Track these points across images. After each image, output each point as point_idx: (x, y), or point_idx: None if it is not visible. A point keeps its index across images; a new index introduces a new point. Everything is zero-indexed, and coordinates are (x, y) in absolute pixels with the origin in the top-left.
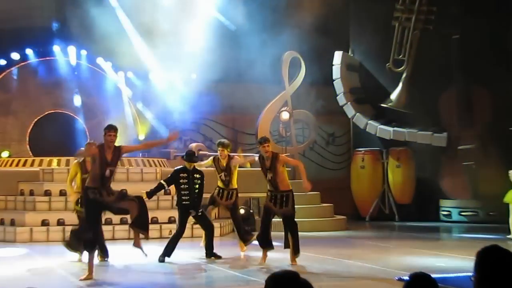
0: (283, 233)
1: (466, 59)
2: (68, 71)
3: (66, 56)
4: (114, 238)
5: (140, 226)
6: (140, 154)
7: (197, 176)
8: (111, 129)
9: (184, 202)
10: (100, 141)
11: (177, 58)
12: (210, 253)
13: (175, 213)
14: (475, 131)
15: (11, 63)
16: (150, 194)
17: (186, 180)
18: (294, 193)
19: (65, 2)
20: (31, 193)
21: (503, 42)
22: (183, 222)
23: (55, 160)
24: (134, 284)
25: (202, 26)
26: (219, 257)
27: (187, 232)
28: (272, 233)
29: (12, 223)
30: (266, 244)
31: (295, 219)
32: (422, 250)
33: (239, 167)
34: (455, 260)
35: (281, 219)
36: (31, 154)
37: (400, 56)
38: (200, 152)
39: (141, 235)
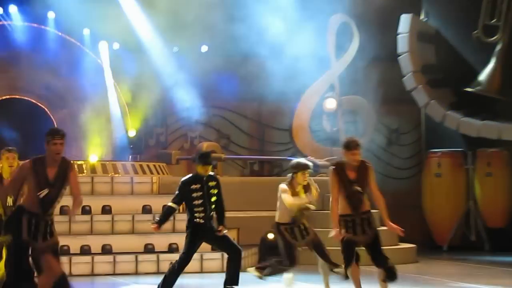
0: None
1: None
2: (29, 41)
3: (26, 21)
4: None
5: None
6: (130, 157)
7: (213, 184)
8: (57, 135)
9: (197, 220)
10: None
11: (182, 25)
12: (231, 281)
13: (176, 239)
14: None
15: None
16: (160, 223)
17: (201, 193)
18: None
19: None
20: None
21: None
22: (191, 248)
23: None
24: None
25: None
26: None
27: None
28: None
29: None
30: None
31: None
32: None
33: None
34: None
35: None
36: None
37: (493, 21)
38: (213, 155)
39: None
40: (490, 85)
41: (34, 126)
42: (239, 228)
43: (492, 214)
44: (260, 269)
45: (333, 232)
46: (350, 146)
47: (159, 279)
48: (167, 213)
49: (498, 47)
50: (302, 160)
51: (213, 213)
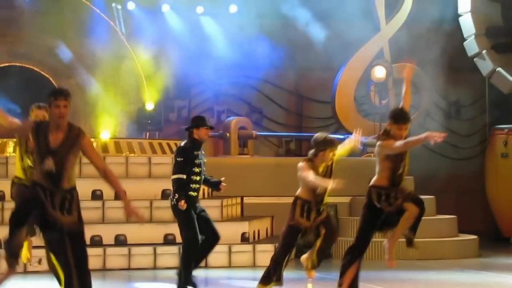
0: None
1: None
2: (31, 0)
3: None
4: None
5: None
6: (148, 134)
7: (203, 152)
8: (60, 96)
9: (191, 193)
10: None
11: None
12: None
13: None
14: None
15: None
16: (180, 196)
17: (200, 161)
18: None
19: None
20: None
21: None
22: (193, 224)
23: (11, 143)
24: None
25: None
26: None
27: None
28: None
29: None
30: None
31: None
32: None
33: None
34: None
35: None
36: None
37: None
38: (242, 131)
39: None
40: None
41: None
42: (273, 216)
43: None
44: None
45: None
46: (399, 119)
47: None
48: (183, 186)
49: None
50: (328, 135)
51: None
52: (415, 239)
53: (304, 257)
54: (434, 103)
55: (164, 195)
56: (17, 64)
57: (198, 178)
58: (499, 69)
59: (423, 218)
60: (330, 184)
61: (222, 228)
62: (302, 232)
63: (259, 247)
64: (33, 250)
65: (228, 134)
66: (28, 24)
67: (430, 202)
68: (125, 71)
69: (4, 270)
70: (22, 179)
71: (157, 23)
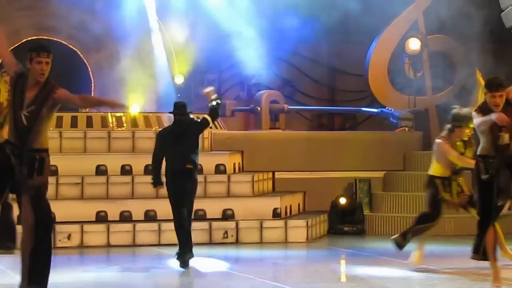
0: None
1: None
2: None
3: None
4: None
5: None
6: None
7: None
8: (43, 51)
9: None
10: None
11: None
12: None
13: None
14: None
15: None
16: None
17: None
18: None
19: None
20: None
21: None
22: None
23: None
24: None
25: None
26: None
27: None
28: None
29: None
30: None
31: None
32: None
33: None
34: None
35: None
36: None
37: None
38: (273, 105)
39: None
40: None
41: (65, 72)
42: (305, 191)
43: None
44: (402, 237)
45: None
46: (491, 86)
47: (212, 250)
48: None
49: None
50: (463, 109)
51: None
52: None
53: None
54: (471, 77)
55: None
56: (45, 37)
57: None
58: None
59: None
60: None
61: (253, 204)
62: None
63: (291, 222)
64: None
65: (259, 108)
66: None
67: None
68: (154, 45)
69: None
70: None
71: None
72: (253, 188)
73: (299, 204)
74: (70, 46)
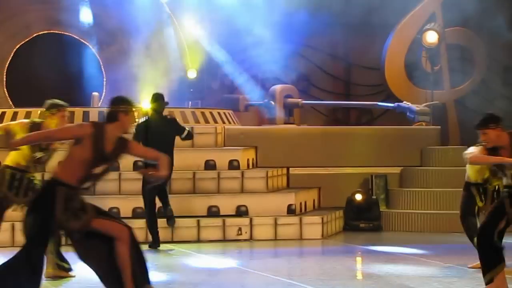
0: None
1: None
2: None
3: None
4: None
5: None
6: (190, 103)
7: None
8: (129, 104)
9: None
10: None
11: None
12: None
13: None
14: None
15: None
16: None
17: None
18: None
19: None
20: None
21: None
22: None
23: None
24: None
25: None
26: None
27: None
28: None
29: None
30: None
31: None
32: None
33: None
34: None
35: None
36: (10, 103)
37: None
38: (288, 99)
39: None
40: None
41: (77, 66)
42: (320, 187)
43: None
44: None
45: None
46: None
47: (225, 247)
48: None
49: None
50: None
51: None
52: None
53: None
54: (490, 69)
55: (208, 166)
56: (57, 31)
57: None
58: None
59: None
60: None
61: (267, 200)
62: None
63: (306, 219)
64: None
65: (273, 103)
66: None
67: None
68: (167, 39)
69: None
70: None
71: None
72: (267, 184)
73: (314, 200)
74: (82, 40)
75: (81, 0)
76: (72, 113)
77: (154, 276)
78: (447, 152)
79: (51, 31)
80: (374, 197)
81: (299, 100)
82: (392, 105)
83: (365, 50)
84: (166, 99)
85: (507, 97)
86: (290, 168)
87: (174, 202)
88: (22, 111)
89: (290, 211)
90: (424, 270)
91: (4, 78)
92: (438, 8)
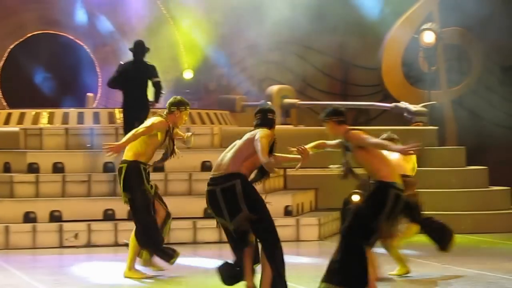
0: None
1: None
2: None
3: None
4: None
5: None
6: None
7: None
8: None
9: None
10: None
11: None
12: None
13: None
14: None
15: None
16: None
17: None
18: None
19: None
20: (6, 168)
21: None
22: None
23: (45, 114)
24: None
25: None
26: None
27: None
28: None
29: None
30: None
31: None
32: None
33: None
34: None
35: None
36: (5, 104)
37: None
38: (286, 100)
39: None
40: None
41: (71, 66)
42: (317, 188)
43: None
44: None
45: None
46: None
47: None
48: None
49: None
50: None
51: None
52: None
53: None
54: (486, 69)
55: (204, 167)
56: (50, 31)
57: None
58: None
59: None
60: None
61: None
62: None
63: (303, 220)
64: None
65: (269, 103)
66: None
67: (481, 174)
68: (163, 39)
69: None
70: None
71: None
72: (264, 185)
73: (311, 202)
74: (77, 40)
75: (74, 0)
76: (67, 114)
77: (150, 279)
78: (444, 152)
79: (46, 31)
80: None
81: (296, 100)
82: (389, 105)
83: (362, 50)
84: (162, 100)
85: (502, 96)
86: (287, 169)
87: (170, 203)
88: (15, 113)
89: (287, 212)
90: (421, 271)
91: None
92: (435, 8)
